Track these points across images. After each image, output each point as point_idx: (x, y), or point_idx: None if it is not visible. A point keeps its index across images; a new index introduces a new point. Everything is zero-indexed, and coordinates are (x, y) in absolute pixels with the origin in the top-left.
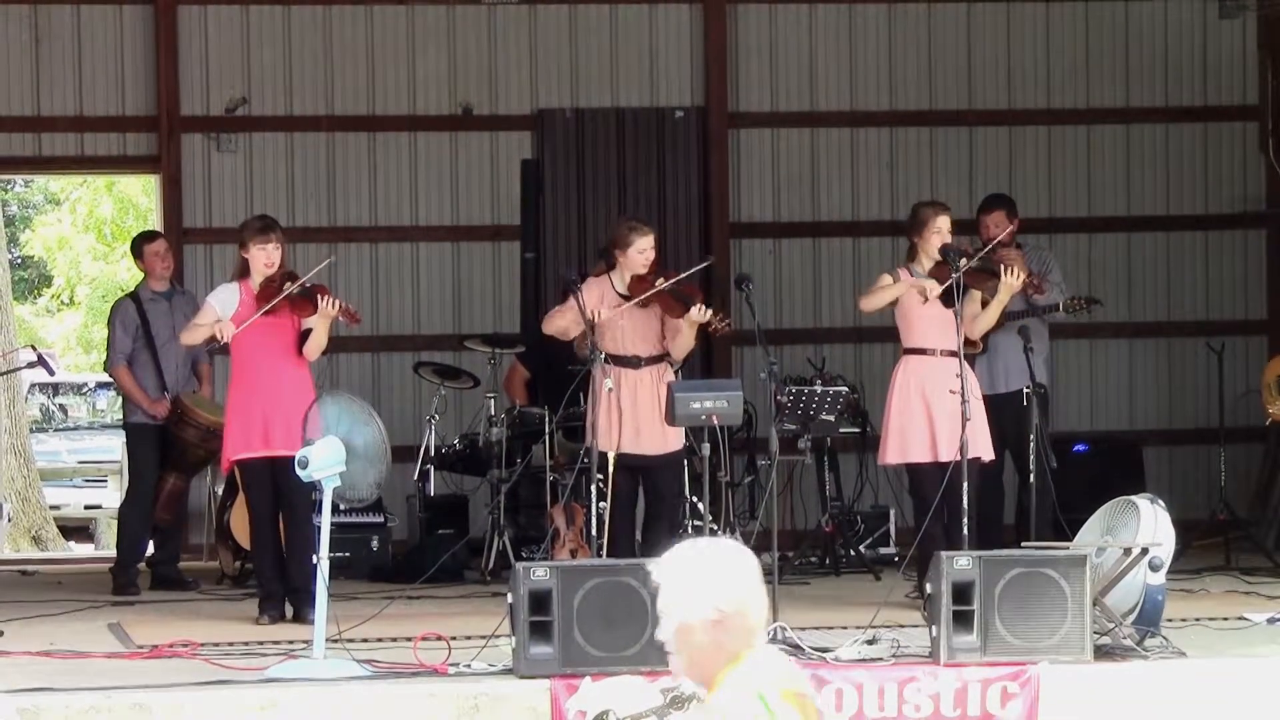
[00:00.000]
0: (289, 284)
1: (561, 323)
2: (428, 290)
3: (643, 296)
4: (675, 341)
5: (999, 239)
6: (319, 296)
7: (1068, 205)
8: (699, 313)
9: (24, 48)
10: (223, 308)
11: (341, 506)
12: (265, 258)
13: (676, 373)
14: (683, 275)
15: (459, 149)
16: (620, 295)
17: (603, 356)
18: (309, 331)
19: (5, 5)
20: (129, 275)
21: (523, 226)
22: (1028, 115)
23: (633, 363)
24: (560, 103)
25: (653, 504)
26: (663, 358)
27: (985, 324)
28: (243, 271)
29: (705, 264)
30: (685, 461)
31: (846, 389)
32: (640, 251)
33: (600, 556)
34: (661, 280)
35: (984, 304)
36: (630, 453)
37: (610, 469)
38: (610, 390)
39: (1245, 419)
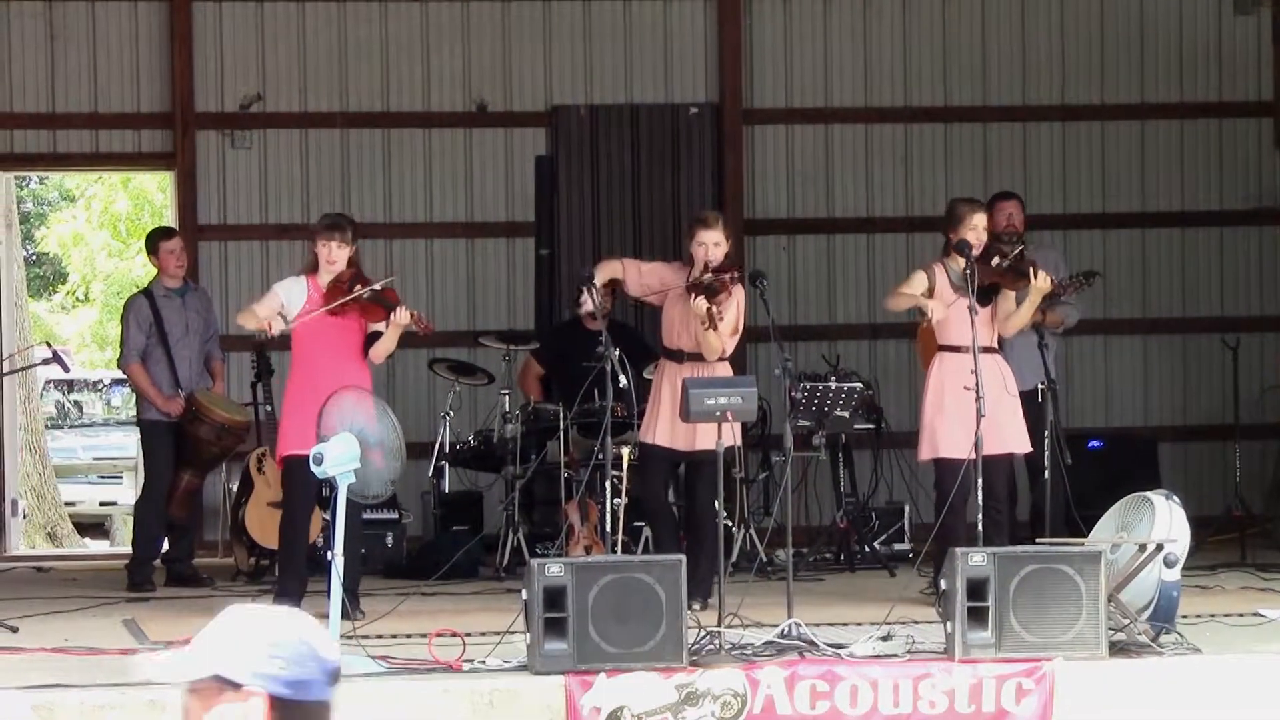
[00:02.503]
0: (359, 286)
1: (614, 269)
2: (442, 287)
3: (655, 286)
4: (699, 337)
5: (1021, 252)
6: (394, 306)
7: (1082, 201)
8: (698, 305)
9: (39, 44)
10: (288, 298)
11: (357, 503)
12: (328, 254)
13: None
14: (721, 275)
15: (474, 146)
16: (685, 285)
17: (617, 353)
18: (374, 334)
19: (20, 2)
20: (144, 272)
21: (537, 223)
22: (1042, 111)
23: (676, 356)
24: (575, 99)
25: (688, 503)
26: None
27: (1017, 324)
28: (313, 266)
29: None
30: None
31: (861, 385)
32: (701, 244)
33: (615, 553)
34: (709, 275)
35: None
36: (664, 445)
37: (625, 465)
38: (624, 387)
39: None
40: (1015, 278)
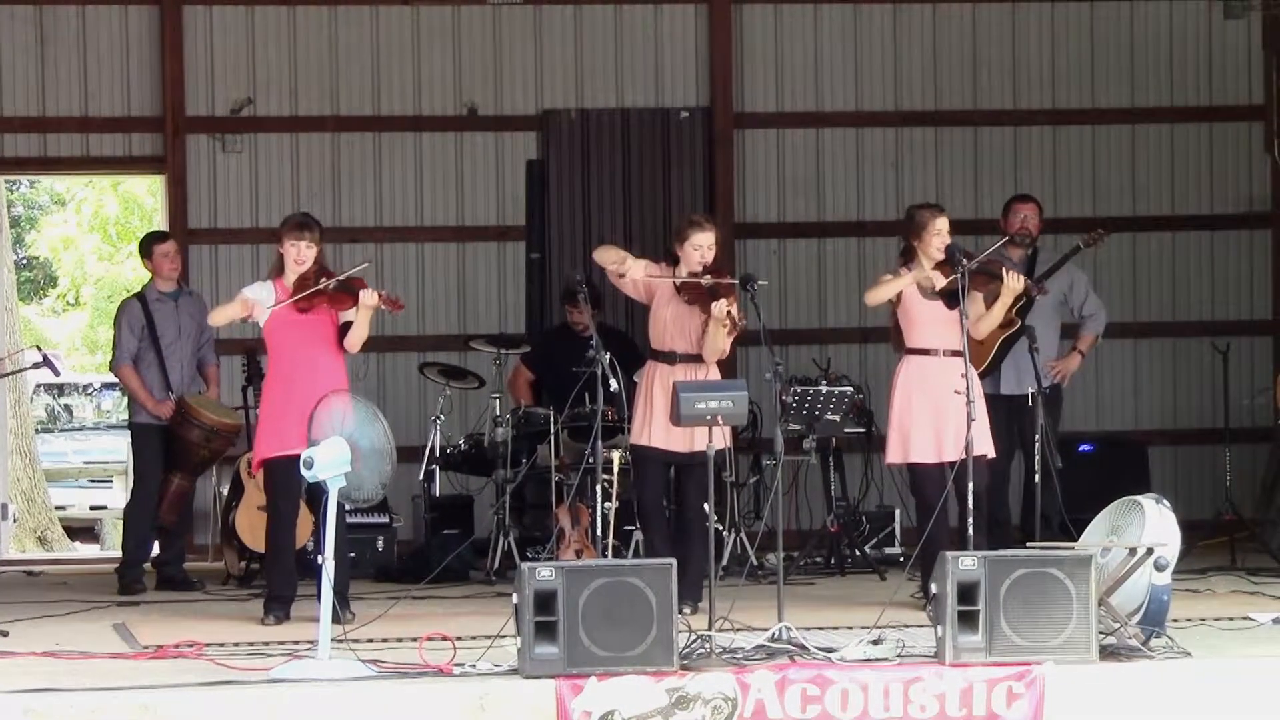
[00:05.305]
0: (324, 279)
1: (614, 255)
2: (433, 291)
3: (666, 278)
4: (705, 341)
5: (991, 254)
6: (359, 288)
7: (1073, 205)
8: (719, 308)
9: (29, 48)
10: (255, 302)
11: (347, 507)
12: (296, 254)
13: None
14: (723, 281)
15: (464, 149)
16: (674, 285)
17: (607, 357)
18: (347, 326)
19: (10, 6)
20: (134, 275)
21: (528, 227)
22: (1032, 115)
23: (668, 358)
24: (565, 103)
25: (678, 506)
26: (700, 357)
27: (989, 325)
28: (279, 269)
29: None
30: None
31: (851, 389)
32: (696, 247)
33: (605, 557)
34: (708, 277)
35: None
36: (659, 448)
37: (616, 469)
38: (615, 390)
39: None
40: (986, 280)
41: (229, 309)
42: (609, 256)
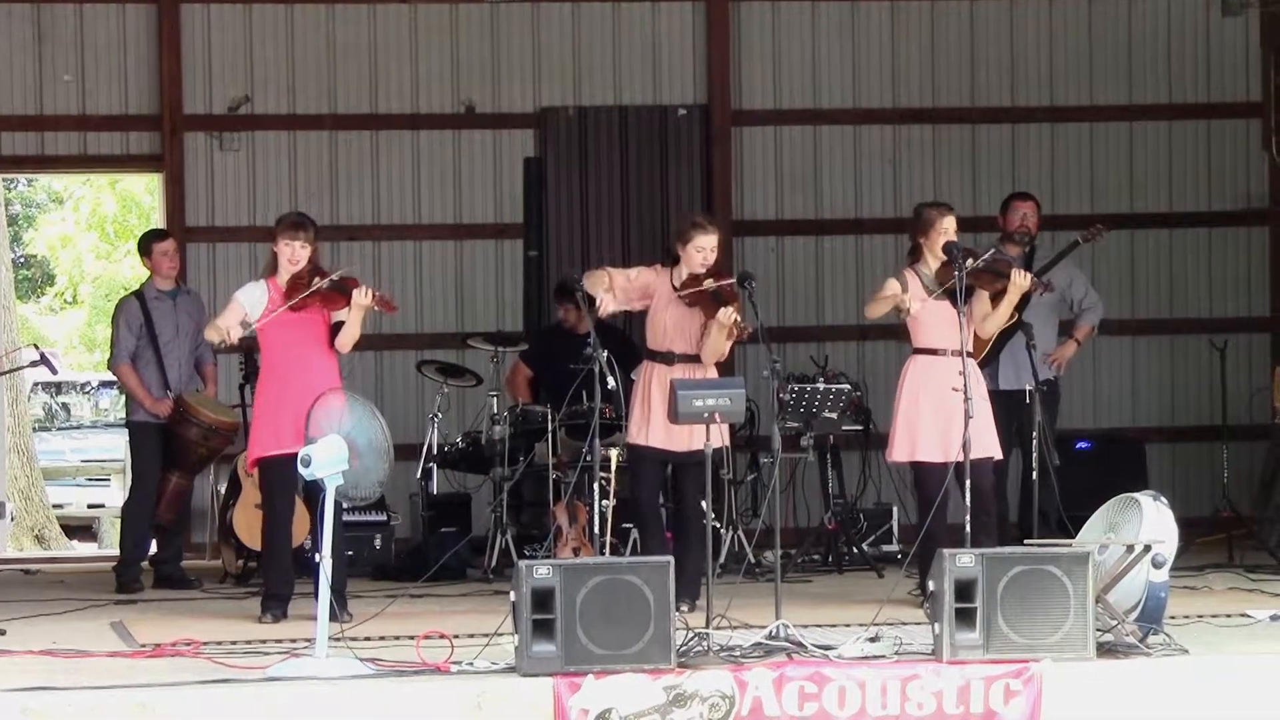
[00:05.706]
0: (317, 279)
1: (602, 280)
2: (430, 288)
3: (681, 291)
4: (705, 343)
5: (994, 252)
6: (352, 287)
7: (1070, 202)
8: (726, 315)
9: (27, 46)
10: (250, 305)
11: (344, 505)
12: (291, 254)
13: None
14: (725, 282)
15: (462, 147)
16: (672, 287)
17: (605, 355)
18: (338, 326)
19: (8, 4)
20: (132, 274)
21: (525, 225)
22: (1030, 113)
23: (666, 358)
24: (563, 101)
25: (676, 504)
26: (698, 357)
27: (996, 324)
28: (272, 268)
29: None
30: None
31: (849, 387)
32: (699, 250)
33: (603, 555)
34: (710, 281)
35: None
36: (658, 447)
37: (614, 466)
38: (612, 388)
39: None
40: (993, 279)
41: (218, 324)
42: (595, 285)
